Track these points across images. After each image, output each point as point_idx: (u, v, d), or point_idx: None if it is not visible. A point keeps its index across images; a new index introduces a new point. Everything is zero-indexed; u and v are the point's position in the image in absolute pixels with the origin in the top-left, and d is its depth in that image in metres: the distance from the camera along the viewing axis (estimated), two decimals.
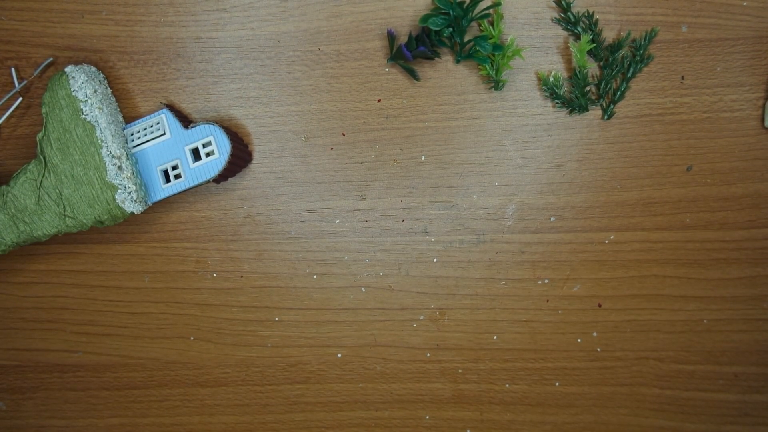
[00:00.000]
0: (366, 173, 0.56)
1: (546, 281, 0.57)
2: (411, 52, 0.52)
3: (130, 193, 0.51)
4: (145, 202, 0.53)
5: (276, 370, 0.59)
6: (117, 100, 0.55)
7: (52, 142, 0.51)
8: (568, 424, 0.59)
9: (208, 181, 0.53)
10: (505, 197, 0.56)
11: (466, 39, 0.54)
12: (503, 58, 0.53)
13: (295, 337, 0.59)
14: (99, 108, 0.51)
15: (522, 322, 0.58)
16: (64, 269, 0.58)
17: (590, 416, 0.59)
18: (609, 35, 0.54)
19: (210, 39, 0.55)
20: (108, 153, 0.51)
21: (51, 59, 0.55)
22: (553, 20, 0.54)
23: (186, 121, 0.54)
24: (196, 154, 0.53)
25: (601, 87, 0.54)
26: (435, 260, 0.57)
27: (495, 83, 0.54)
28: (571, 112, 0.55)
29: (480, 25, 0.53)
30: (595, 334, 0.58)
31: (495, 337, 0.58)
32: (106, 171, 0.51)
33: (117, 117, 0.53)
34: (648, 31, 0.54)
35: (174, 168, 0.53)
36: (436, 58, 0.55)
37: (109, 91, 0.54)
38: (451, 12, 0.50)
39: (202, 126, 0.52)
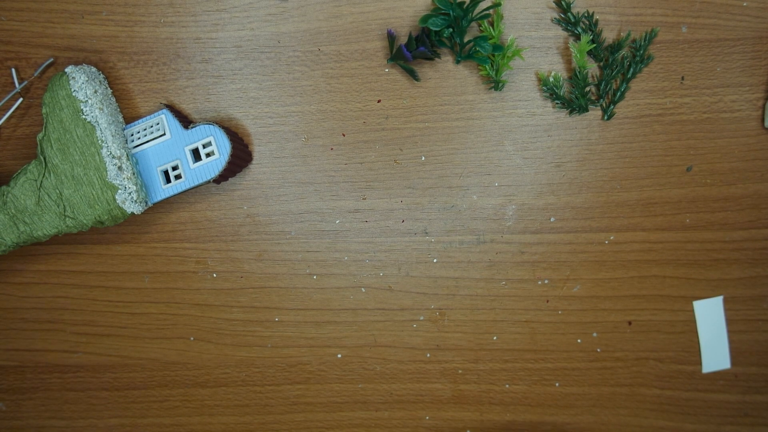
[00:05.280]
0: (366, 173, 0.56)
1: (546, 282, 0.57)
2: (411, 52, 0.52)
3: (130, 193, 0.51)
4: (146, 203, 0.53)
5: (276, 371, 0.59)
6: (117, 101, 0.55)
7: (53, 142, 0.51)
8: (568, 424, 0.59)
9: (209, 182, 0.53)
10: (505, 198, 0.56)
11: (466, 39, 0.54)
12: (503, 59, 0.53)
13: (295, 338, 0.59)
14: (99, 108, 0.51)
15: (522, 323, 0.58)
16: (64, 269, 0.58)
17: (590, 417, 0.59)
18: (609, 35, 0.54)
19: (210, 39, 0.55)
20: (108, 153, 0.51)
21: (51, 60, 0.55)
22: (553, 21, 0.54)
23: (186, 121, 0.54)
24: (196, 155, 0.53)
25: (601, 87, 0.54)
26: (435, 260, 0.57)
27: (495, 83, 0.54)
28: (571, 112, 0.55)
29: (480, 25, 0.53)
30: (595, 334, 0.58)
31: (495, 338, 0.58)
32: (106, 171, 0.51)
33: (117, 117, 0.53)
34: (648, 31, 0.54)
35: (174, 168, 0.53)
36: (436, 59, 0.55)
37: (110, 91, 0.54)
38: (451, 12, 0.50)
39: (202, 126, 0.52)
